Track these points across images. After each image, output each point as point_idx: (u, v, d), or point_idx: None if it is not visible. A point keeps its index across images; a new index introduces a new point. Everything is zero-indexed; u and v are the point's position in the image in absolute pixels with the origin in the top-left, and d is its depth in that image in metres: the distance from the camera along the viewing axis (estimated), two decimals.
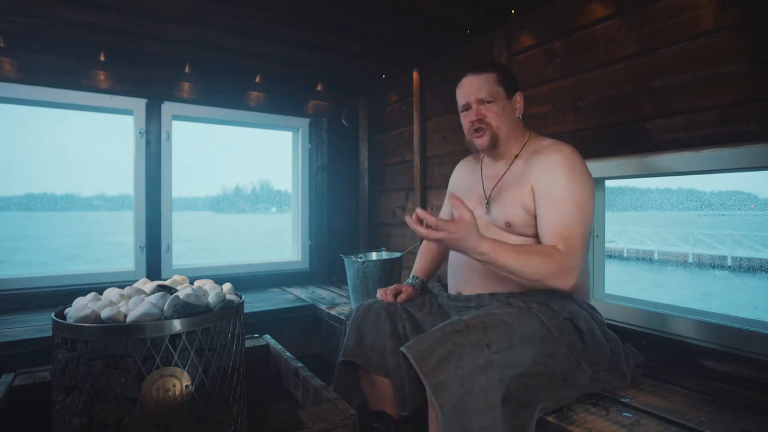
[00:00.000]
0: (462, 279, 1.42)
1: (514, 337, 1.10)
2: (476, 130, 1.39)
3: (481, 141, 1.40)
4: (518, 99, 1.42)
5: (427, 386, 1.03)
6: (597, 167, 1.70)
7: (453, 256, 1.48)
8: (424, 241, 1.73)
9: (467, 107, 1.42)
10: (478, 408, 0.99)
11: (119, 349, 0.96)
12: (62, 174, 2.66)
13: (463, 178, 1.61)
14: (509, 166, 1.41)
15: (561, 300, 1.25)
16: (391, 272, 2.09)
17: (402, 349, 1.10)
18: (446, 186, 1.74)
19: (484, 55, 2.26)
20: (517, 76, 2.09)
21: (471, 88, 1.39)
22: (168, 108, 2.66)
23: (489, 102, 1.37)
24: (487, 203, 1.41)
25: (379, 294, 1.52)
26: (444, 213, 1.72)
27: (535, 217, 1.29)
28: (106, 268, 2.59)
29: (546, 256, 1.16)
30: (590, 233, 1.20)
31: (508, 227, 1.33)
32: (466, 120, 1.43)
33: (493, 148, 1.41)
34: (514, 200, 1.32)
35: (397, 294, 1.51)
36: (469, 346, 1.05)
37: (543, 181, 1.28)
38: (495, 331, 1.09)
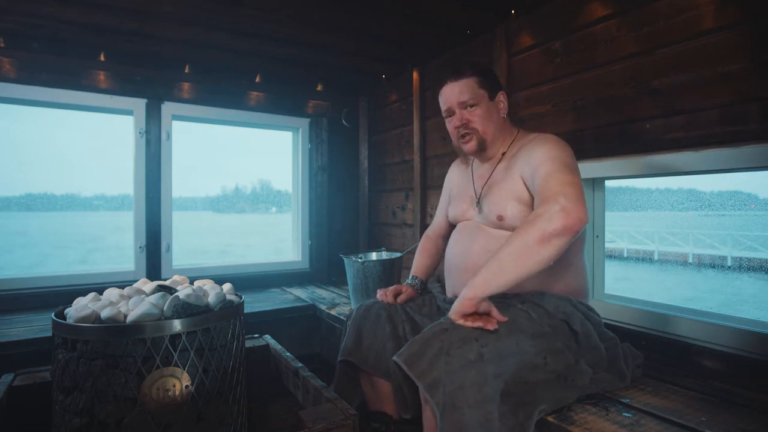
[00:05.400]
0: (457, 281, 1.42)
1: (500, 327, 1.10)
2: (462, 136, 1.40)
3: (469, 146, 1.40)
4: (501, 99, 1.41)
5: (421, 387, 1.04)
6: (597, 167, 1.70)
7: (448, 258, 1.48)
8: (422, 240, 1.73)
9: (450, 113, 1.42)
10: (469, 403, 0.99)
11: (119, 349, 0.96)
12: (62, 174, 2.65)
13: (456, 180, 1.62)
14: (497, 164, 1.42)
15: (556, 300, 1.24)
16: (391, 272, 2.09)
17: (394, 358, 1.11)
18: None
19: (485, 55, 2.27)
20: (517, 76, 2.11)
21: (452, 93, 1.38)
22: (168, 108, 2.66)
23: (472, 106, 1.37)
24: (478, 202, 1.41)
25: (379, 295, 1.51)
26: (440, 211, 1.72)
27: (532, 206, 1.26)
28: (106, 268, 2.59)
29: (516, 235, 1.10)
30: (581, 181, 1.17)
31: (500, 221, 1.32)
32: (451, 126, 1.43)
33: (482, 151, 1.42)
34: (505, 193, 1.32)
35: (397, 295, 1.51)
36: (456, 341, 1.05)
37: (528, 165, 1.27)
38: None
